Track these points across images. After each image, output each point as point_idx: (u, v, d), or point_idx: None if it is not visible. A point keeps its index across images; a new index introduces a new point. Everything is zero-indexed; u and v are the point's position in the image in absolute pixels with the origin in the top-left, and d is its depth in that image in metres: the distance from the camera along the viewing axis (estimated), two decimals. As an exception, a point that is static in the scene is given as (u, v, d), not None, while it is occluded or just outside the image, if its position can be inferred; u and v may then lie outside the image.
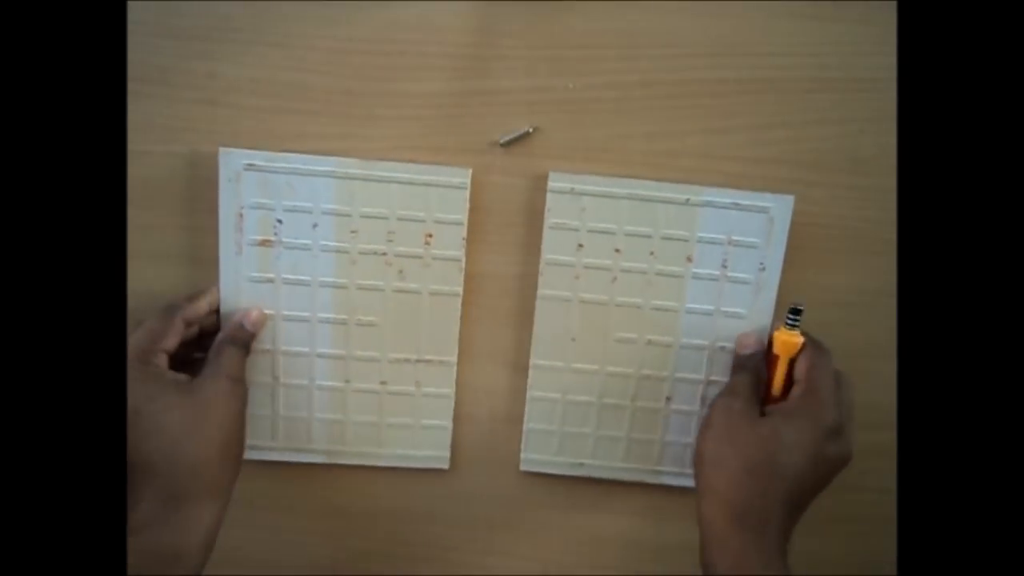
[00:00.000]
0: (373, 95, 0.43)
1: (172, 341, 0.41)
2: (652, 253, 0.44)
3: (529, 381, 0.46)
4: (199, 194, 0.44)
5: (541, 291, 0.45)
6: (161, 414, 0.38)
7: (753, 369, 0.43)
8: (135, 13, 0.41)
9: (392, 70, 0.43)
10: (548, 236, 0.44)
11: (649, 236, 0.44)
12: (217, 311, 0.45)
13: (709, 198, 0.44)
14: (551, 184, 0.44)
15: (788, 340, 0.41)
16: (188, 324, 0.42)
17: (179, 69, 0.43)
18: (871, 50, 0.43)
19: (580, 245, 0.44)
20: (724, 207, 0.44)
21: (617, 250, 0.44)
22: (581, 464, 0.47)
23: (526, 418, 0.47)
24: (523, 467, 0.48)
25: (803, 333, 0.42)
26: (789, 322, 0.41)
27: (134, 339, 0.41)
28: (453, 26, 0.42)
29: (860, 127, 0.44)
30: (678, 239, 0.44)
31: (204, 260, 0.45)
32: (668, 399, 0.46)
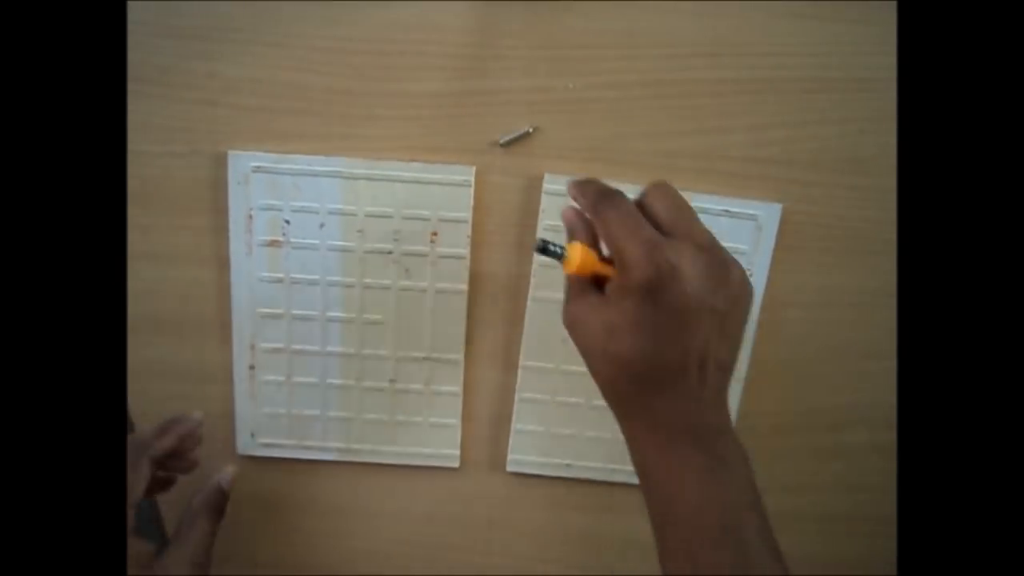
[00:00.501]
0: (373, 95, 0.43)
1: (139, 491, 0.38)
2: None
3: (518, 383, 0.46)
4: (199, 194, 0.44)
5: (533, 292, 0.45)
6: None
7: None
8: (135, 13, 0.41)
9: (392, 70, 0.43)
10: (542, 236, 0.44)
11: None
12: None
13: (700, 204, 0.44)
14: (546, 186, 0.44)
15: (571, 268, 0.35)
16: (158, 463, 0.40)
17: (179, 69, 0.43)
18: (871, 50, 0.43)
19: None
20: (715, 214, 0.44)
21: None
22: (568, 465, 0.47)
23: (514, 419, 0.47)
24: (509, 468, 0.48)
25: (572, 219, 0.36)
26: (554, 256, 0.35)
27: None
28: (453, 26, 0.42)
29: (860, 127, 0.44)
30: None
31: (204, 260, 0.45)
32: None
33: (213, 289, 0.46)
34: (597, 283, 0.35)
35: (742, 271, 0.34)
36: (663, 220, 0.34)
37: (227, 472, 0.43)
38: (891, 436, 0.47)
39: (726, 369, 0.34)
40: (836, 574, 0.49)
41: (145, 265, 0.45)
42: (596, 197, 0.34)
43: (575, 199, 0.36)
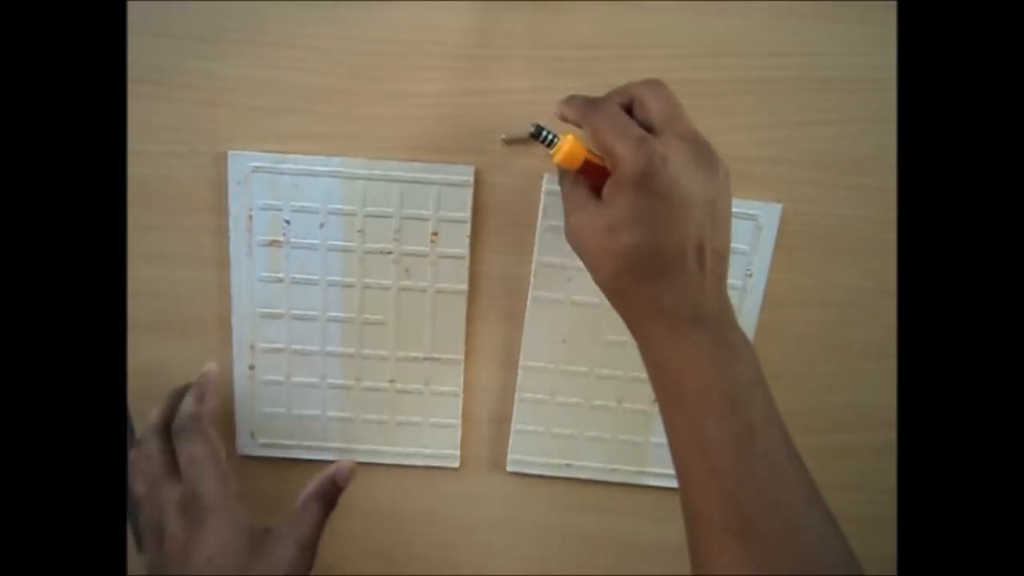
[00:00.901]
0: (373, 95, 0.43)
1: (224, 452, 0.41)
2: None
3: (518, 383, 0.46)
4: (199, 194, 0.44)
5: (533, 292, 0.45)
6: (226, 569, 0.36)
7: (567, 174, 0.37)
8: (135, 13, 0.41)
9: (392, 70, 0.43)
10: (541, 238, 0.44)
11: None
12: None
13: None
14: (546, 186, 0.44)
15: (559, 156, 0.36)
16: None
17: (179, 69, 0.43)
18: (871, 50, 0.43)
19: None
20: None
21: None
22: (568, 465, 0.47)
23: (514, 419, 0.47)
24: (509, 468, 0.48)
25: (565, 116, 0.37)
26: (544, 142, 0.37)
27: (215, 474, 0.39)
28: (453, 26, 0.42)
29: (860, 127, 0.44)
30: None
31: (204, 260, 0.45)
32: (655, 401, 0.46)
33: (213, 289, 0.46)
34: (594, 194, 0.36)
35: (724, 164, 0.36)
36: (654, 118, 0.35)
37: (344, 467, 0.42)
38: (891, 436, 0.47)
39: (723, 257, 0.35)
40: (836, 574, 0.49)
41: (145, 265, 0.45)
42: (584, 106, 0.36)
43: (564, 116, 0.37)
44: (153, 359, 0.47)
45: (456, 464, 0.48)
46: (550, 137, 0.36)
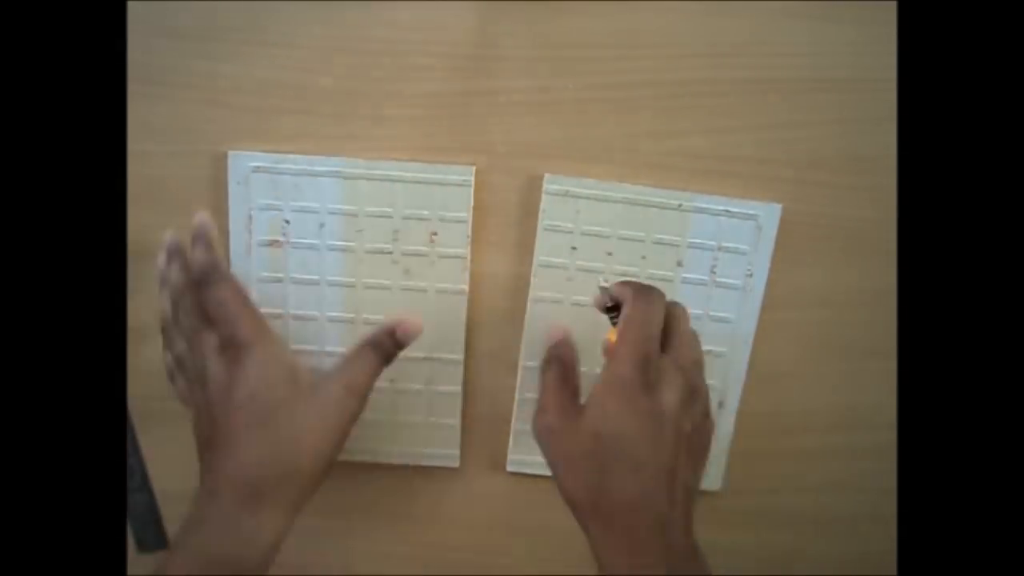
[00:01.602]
0: (373, 95, 0.43)
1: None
2: (644, 257, 0.45)
3: (518, 382, 0.46)
4: (199, 194, 0.44)
5: (533, 293, 0.45)
6: (274, 408, 0.36)
7: (556, 361, 0.39)
8: (135, 13, 0.41)
9: (392, 70, 0.43)
10: (541, 238, 0.44)
11: (642, 240, 0.44)
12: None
13: (702, 204, 0.44)
14: (546, 186, 0.44)
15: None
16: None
17: (179, 69, 0.43)
18: (871, 50, 0.43)
19: (573, 248, 0.44)
20: (716, 213, 0.44)
21: (609, 253, 0.44)
22: None
23: (514, 419, 0.47)
24: (509, 468, 0.48)
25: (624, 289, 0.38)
26: (612, 320, 0.38)
27: (248, 312, 0.37)
28: (453, 26, 0.42)
29: (860, 127, 0.44)
30: (669, 244, 0.44)
31: (204, 260, 0.45)
32: None
33: (213, 289, 0.46)
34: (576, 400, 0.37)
35: (708, 403, 0.37)
36: (672, 333, 0.37)
37: (409, 323, 0.40)
38: (891, 436, 0.47)
39: (690, 491, 0.35)
40: (836, 574, 0.49)
41: (145, 265, 0.45)
42: (636, 290, 0.37)
43: (605, 301, 0.38)
44: (153, 359, 0.46)
45: (456, 464, 0.48)
46: (618, 315, 0.37)
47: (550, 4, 0.42)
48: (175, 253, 0.41)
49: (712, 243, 0.44)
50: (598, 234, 0.44)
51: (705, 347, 0.44)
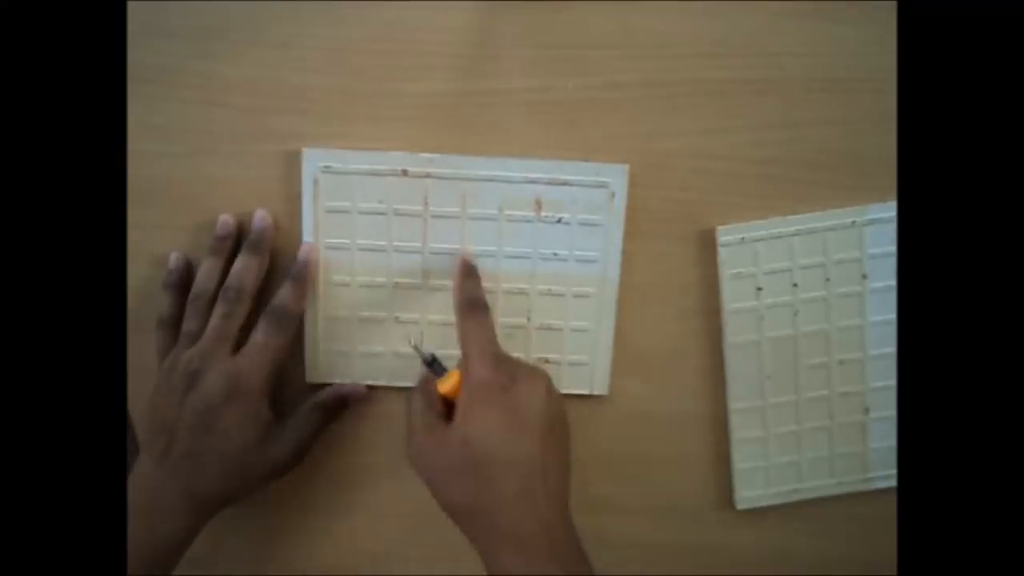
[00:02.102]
0: (373, 95, 0.43)
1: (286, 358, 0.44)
2: (828, 279, 0.45)
3: (732, 423, 0.47)
4: (199, 194, 0.44)
5: (730, 339, 0.45)
6: (238, 451, 0.41)
7: (419, 392, 0.40)
8: (135, 13, 0.41)
9: (392, 70, 0.43)
10: (726, 287, 0.45)
11: (823, 264, 0.45)
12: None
13: (873, 216, 0.44)
14: (721, 239, 0.44)
15: (445, 387, 0.39)
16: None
17: (179, 69, 0.43)
18: (871, 50, 0.43)
19: (759, 288, 0.45)
20: (887, 222, 0.44)
21: (795, 284, 0.45)
22: (796, 490, 0.47)
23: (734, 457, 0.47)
24: (740, 506, 0.47)
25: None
26: (434, 370, 0.40)
27: (269, 370, 0.42)
28: (453, 26, 0.42)
29: (860, 127, 0.44)
30: (851, 261, 0.45)
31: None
32: (867, 410, 0.47)
33: (213, 289, 0.46)
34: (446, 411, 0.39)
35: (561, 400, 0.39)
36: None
37: (358, 390, 0.46)
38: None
39: (565, 487, 0.37)
40: (836, 574, 0.49)
41: (145, 265, 0.45)
42: (464, 304, 0.41)
43: (456, 292, 0.42)
44: (153, 359, 0.46)
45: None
46: (438, 365, 0.40)
47: (550, 4, 0.42)
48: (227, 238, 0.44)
49: (892, 250, 0.44)
50: (780, 270, 0.45)
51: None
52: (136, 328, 0.45)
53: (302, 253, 0.44)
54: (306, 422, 0.44)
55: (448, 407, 0.39)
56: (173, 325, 0.44)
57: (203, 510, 0.41)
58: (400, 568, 0.50)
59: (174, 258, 0.44)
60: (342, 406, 0.46)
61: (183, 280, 0.44)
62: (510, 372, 0.38)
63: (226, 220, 0.44)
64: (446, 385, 0.39)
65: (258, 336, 0.42)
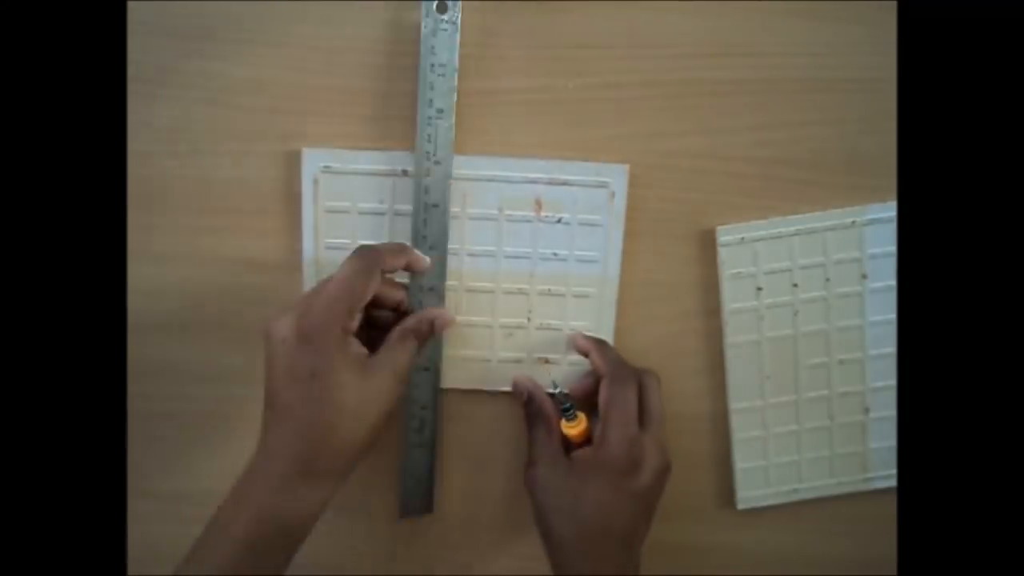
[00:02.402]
0: (373, 95, 0.43)
1: (367, 294, 0.39)
2: (828, 279, 0.45)
3: (732, 423, 0.47)
4: (199, 194, 0.44)
5: (730, 339, 0.45)
6: (334, 389, 0.37)
7: (539, 417, 0.44)
8: (135, 13, 0.41)
9: (392, 70, 0.43)
10: (727, 287, 0.45)
11: (822, 264, 0.45)
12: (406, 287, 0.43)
13: (873, 216, 0.44)
14: (721, 239, 0.44)
15: (571, 431, 0.43)
16: (384, 280, 0.41)
17: (179, 69, 0.43)
18: (871, 50, 0.43)
19: (759, 288, 0.45)
20: (887, 222, 0.44)
21: (795, 284, 0.45)
22: (796, 490, 0.47)
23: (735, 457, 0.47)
24: (740, 506, 0.47)
25: (603, 361, 0.43)
26: (567, 416, 0.42)
27: (332, 293, 0.38)
28: (453, 26, 0.42)
29: (860, 127, 0.44)
30: (851, 260, 0.45)
31: (205, 260, 0.45)
32: (867, 410, 0.46)
33: (213, 289, 0.46)
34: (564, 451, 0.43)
35: (669, 461, 0.42)
36: (646, 408, 0.42)
37: (445, 317, 0.43)
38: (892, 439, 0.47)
39: (644, 539, 0.42)
40: (836, 574, 0.49)
41: (145, 265, 0.45)
42: (613, 370, 0.42)
43: (589, 355, 0.44)
44: (153, 359, 0.47)
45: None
46: (572, 411, 0.42)
47: (550, 4, 0.42)
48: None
49: (892, 250, 0.44)
50: (780, 270, 0.45)
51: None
52: (136, 328, 0.45)
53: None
54: (398, 350, 0.40)
55: (565, 444, 0.43)
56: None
57: (306, 479, 0.38)
58: (400, 568, 0.50)
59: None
60: (430, 331, 0.42)
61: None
62: (639, 451, 0.41)
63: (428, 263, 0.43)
64: (574, 430, 0.42)
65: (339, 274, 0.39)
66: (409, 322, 0.41)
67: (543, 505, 0.41)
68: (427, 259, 0.42)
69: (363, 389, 0.38)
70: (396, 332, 0.41)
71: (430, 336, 0.42)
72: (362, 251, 0.39)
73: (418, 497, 0.47)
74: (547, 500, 0.41)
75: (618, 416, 0.41)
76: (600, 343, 0.44)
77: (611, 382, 0.42)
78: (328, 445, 0.37)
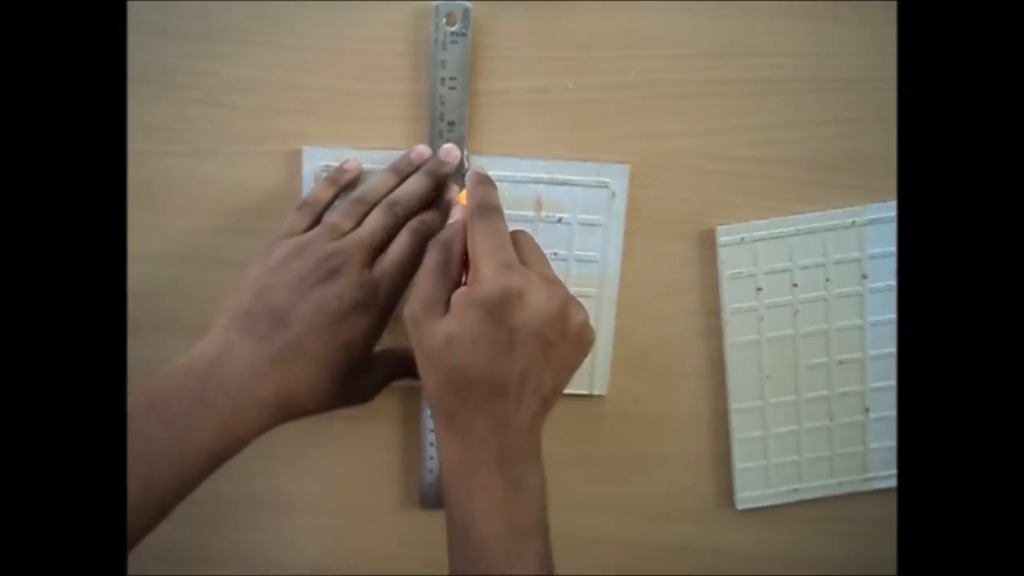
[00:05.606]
0: (373, 95, 0.43)
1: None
2: (828, 279, 0.45)
3: (732, 423, 0.47)
4: (199, 194, 0.44)
5: (730, 339, 0.45)
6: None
7: (442, 247, 0.37)
8: (135, 13, 0.41)
9: (392, 70, 0.43)
10: (726, 287, 0.45)
11: (822, 264, 0.45)
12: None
13: (873, 216, 0.44)
14: (721, 239, 0.44)
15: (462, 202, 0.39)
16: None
17: (179, 69, 0.43)
18: (871, 50, 0.43)
19: (759, 288, 0.45)
20: (887, 222, 0.44)
21: (795, 284, 0.45)
22: (796, 490, 0.47)
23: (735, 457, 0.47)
24: (740, 506, 0.47)
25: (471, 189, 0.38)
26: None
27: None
28: (453, 26, 0.42)
29: (860, 127, 0.44)
30: (851, 260, 0.45)
31: (204, 260, 0.45)
32: (867, 410, 0.47)
33: (213, 289, 0.46)
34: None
35: (584, 317, 0.37)
36: (523, 255, 0.37)
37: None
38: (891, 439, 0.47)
39: (545, 398, 0.36)
40: (836, 574, 0.49)
41: (145, 265, 0.45)
42: (475, 208, 0.37)
43: (464, 197, 0.39)
44: (153, 359, 0.46)
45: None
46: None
47: (550, 4, 0.42)
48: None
49: (892, 250, 0.45)
50: (780, 270, 0.45)
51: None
52: (136, 328, 0.45)
53: (443, 153, 0.42)
54: (395, 361, 0.41)
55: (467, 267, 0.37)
56: (318, 212, 0.41)
57: (279, 415, 0.37)
58: (400, 568, 0.50)
59: (352, 162, 0.43)
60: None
61: (349, 184, 0.42)
62: (518, 285, 0.34)
63: (423, 150, 0.42)
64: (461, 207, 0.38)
65: (396, 250, 0.39)
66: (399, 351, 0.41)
67: (417, 346, 0.36)
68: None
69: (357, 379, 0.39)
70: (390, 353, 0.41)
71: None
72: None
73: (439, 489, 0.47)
74: (422, 339, 0.35)
75: (486, 248, 0.35)
76: (479, 179, 0.39)
77: (473, 217, 0.36)
78: (305, 386, 0.37)
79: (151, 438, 0.35)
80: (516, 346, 0.34)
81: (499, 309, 0.34)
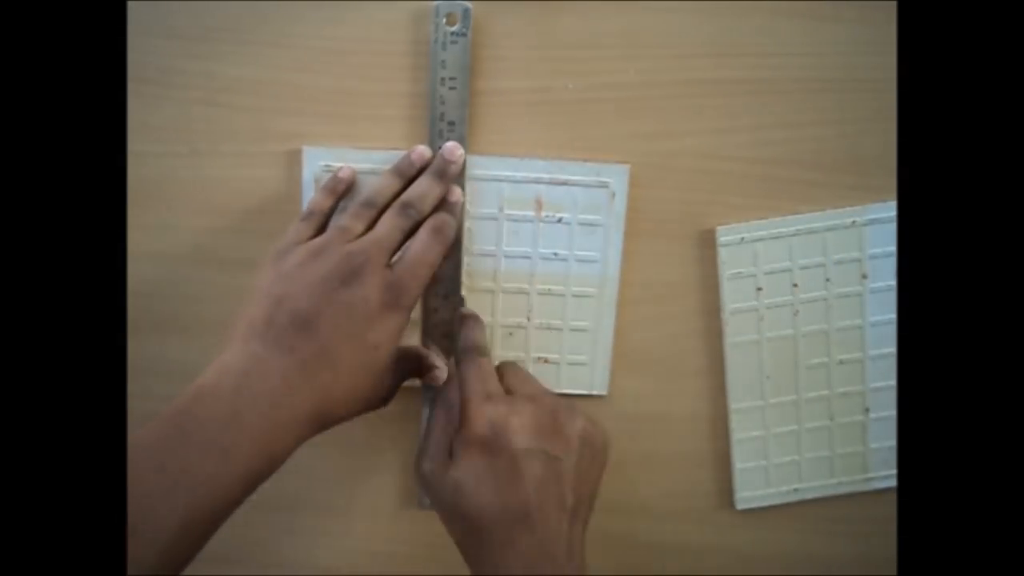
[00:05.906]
0: (373, 95, 0.43)
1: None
2: (828, 279, 0.45)
3: (732, 423, 0.47)
4: (199, 194, 0.44)
5: (730, 339, 0.45)
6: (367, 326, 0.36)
7: (444, 405, 0.40)
8: (135, 13, 0.41)
9: (392, 70, 0.43)
10: (726, 287, 0.45)
11: (823, 264, 0.45)
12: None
13: (873, 216, 0.44)
14: (721, 239, 0.44)
15: None
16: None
17: (179, 69, 0.43)
18: (871, 50, 0.43)
19: (759, 288, 0.45)
20: (887, 222, 0.44)
21: (795, 284, 0.45)
22: (796, 490, 0.47)
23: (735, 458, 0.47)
24: (740, 506, 0.47)
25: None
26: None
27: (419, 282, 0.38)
28: (453, 26, 0.42)
29: (860, 127, 0.44)
30: (851, 260, 0.45)
31: (204, 260, 0.45)
32: (867, 410, 0.47)
33: (213, 289, 0.46)
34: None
35: (583, 423, 0.38)
36: (508, 384, 0.40)
37: (442, 372, 0.40)
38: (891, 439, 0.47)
39: (573, 513, 0.36)
40: (836, 574, 0.49)
41: (145, 265, 0.45)
42: (461, 352, 0.40)
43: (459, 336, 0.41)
44: (153, 359, 0.47)
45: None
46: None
47: (550, 4, 0.42)
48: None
49: (893, 250, 0.44)
50: (780, 270, 0.45)
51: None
52: (136, 328, 0.45)
53: (447, 152, 0.41)
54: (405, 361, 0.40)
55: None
56: (322, 221, 0.41)
57: (315, 427, 0.36)
58: (400, 568, 0.50)
59: (346, 169, 0.42)
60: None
61: (346, 191, 0.42)
62: (503, 418, 0.36)
63: (423, 150, 0.41)
64: None
65: (417, 248, 0.38)
66: (415, 351, 0.41)
67: (434, 503, 0.38)
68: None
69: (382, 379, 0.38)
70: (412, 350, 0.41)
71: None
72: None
73: None
74: (435, 495, 0.37)
75: (471, 388, 0.38)
76: (469, 321, 0.42)
77: (459, 362, 0.39)
78: (338, 393, 0.36)
79: (189, 465, 0.32)
80: (520, 470, 0.35)
81: (491, 440, 0.36)
